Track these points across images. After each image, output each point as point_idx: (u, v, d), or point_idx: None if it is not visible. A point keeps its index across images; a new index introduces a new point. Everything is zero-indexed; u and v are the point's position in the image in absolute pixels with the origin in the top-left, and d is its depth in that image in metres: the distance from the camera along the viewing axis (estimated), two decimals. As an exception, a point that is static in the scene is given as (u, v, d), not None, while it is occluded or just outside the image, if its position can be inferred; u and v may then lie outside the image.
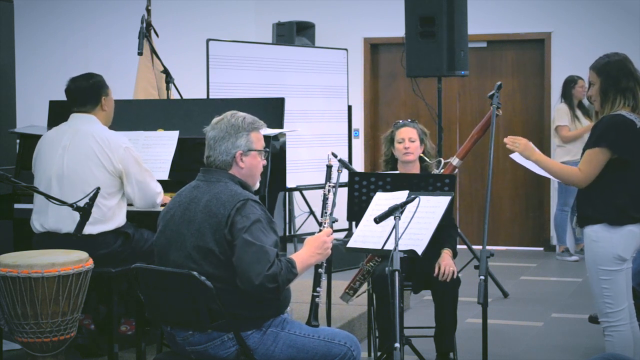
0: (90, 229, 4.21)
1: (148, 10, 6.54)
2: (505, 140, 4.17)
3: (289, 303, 3.44)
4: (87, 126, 4.40)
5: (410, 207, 3.51)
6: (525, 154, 4.12)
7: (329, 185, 3.96)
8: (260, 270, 3.13)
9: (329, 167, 4.23)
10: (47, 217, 4.34)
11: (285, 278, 3.20)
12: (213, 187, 3.32)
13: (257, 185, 3.51)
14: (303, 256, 3.36)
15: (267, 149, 3.51)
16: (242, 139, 3.37)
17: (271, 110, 5.10)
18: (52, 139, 4.46)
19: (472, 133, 4.72)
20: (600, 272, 3.95)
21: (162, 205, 4.40)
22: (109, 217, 4.33)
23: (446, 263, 4.56)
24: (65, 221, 4.26)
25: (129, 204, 4.51)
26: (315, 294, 3.79)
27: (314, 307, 3.72)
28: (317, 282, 3.68)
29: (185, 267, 3.23)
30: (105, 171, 4.30)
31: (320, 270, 3.62)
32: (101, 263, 4.21)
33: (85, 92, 4.45)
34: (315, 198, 7.71)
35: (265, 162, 3.49)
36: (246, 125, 3.40)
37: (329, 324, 5.02)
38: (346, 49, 7.92)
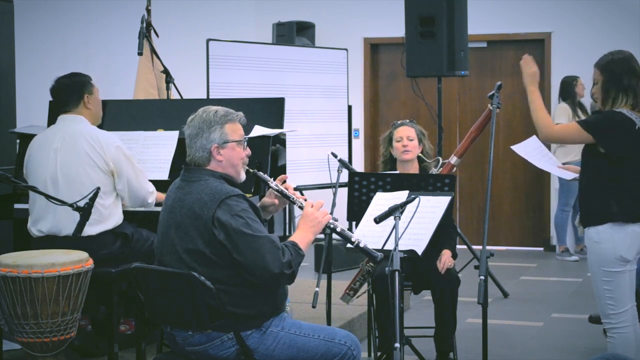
0: (89, 229, 4.21)
1: (148, 10, 6.54)
2: (526, 57, 4.24)
3: (286, 300, 3.45)
4: (76, 127, 4.39)
5: (410, 207, 3.51)
6: (529, 79, 4.20)
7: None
8: (275, 258, 3.16)
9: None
10: (45, 222, 4.33)
11: (297, 262, 3.25)
12: (194, 187, 3.30)
13: (243, 176, 3.45)
14: (300, 235, 3.37)
15: (246, 137, 3.46)
16: (216, 132, 3.34)
17: (271, 110, 5.09)
18: (42, 142, 4.45)
19: (470, 131, 4.72)
20: (602, 274, 3.93)
21: (159, 204, 4.38)
22: (106, 216, 4.34)
23: (446, 258, 4.63)
24: (64, 224, 4.26)
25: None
26: (353, 243, 3.48)
27: (367, 250, 3.49)
28: (346, 234, 3.52)
29: None
30: (100, 170, 4.31)
31: (337, 227, 3.48)
32: (101, 265, 4.20)
33: (66, 90, 4.47)
34: (315, 198, 7.70)
35: (248, 151, 3.45)
36: (218, 118, 3.37)
37: (329, 324, 5.01)
38: (346, 49, 7.90)
